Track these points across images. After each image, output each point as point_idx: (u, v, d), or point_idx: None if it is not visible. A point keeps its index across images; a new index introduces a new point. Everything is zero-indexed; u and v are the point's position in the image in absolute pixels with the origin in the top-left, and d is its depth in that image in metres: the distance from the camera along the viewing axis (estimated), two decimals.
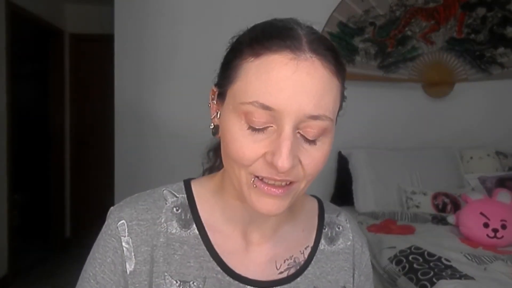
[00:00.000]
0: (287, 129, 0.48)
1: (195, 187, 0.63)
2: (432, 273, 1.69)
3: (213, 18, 2.95)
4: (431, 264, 1.78)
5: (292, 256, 0.63)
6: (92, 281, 0.58)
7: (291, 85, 0.48)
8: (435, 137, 3.09)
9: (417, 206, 2.57)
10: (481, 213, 2.11)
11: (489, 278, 1.64)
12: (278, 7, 2.95)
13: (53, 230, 4.06)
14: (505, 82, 3.10)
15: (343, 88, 0.56)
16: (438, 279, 1.63)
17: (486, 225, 2.07)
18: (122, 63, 2.98)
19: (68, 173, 4.16)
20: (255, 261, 0.61)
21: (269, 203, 0.51)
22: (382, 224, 2.31)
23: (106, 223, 0.60)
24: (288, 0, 3.00)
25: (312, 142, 0.51)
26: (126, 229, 0.58)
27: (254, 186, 0.51)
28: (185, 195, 0.62)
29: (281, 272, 0.61)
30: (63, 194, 4.11)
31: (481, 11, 3.01)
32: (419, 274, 1.72)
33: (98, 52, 3.94)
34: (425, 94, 3.11)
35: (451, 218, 2.29)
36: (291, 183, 0.51)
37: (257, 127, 0.49)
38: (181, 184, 0.64)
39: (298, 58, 0.49)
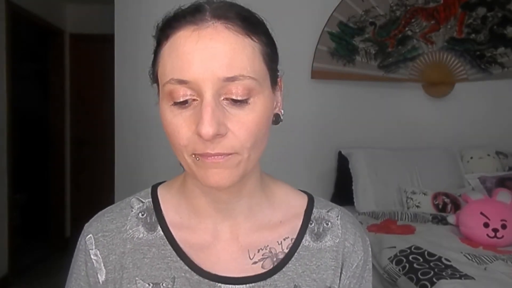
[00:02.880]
0: (207, 96, 0.49)
1: (160, 189, 0.65)
2: (432, 273, 1.69)
3: None
4: (431, 264, 1.78)
5: (268, 246, 0.60)
6: None
7: (198, 55, 0.49)
8: (435, 137, 3.09)
9: (417, 206, 2.57)
10: (481, 213, 2.11)
11: (489, 278, 1.64)
12: (278, 7, 2.97)
13: (53, 230, 4.07)
14: (505, 82, 3.10)
15: (266, 48, 0.54)
16: (438, 279, 1.63)
17: (486, 225, 2.07)
18: (122, 63, 2.98)
19: (68, 173, 4.16)
20: (227, 251, 0.59)
21: (215, 174, 0.51)
22: (382, 224, 2.31)
23: (80, 237, 0.63)
24: (288, 0, 3.00)
25: (240, 105, 0.50)
26: (93, 242, 0.60)
27: (197, 159, 0.51)
28: (151, 199, 0.63)
29: (255, 263, 0.59)
30: (63, 194, 4.11)
31: (481, 11, 3.01)
32: (419, 274, 1.72)
33: (98, 52, 3.94)
34: (425, 94, 3.11)
35: (451, 218, 2.29)
36: (231, 154, 0.51)
37: (180, 100, 0.50)
38: (148, 190, 0.65)
39: (199, 28, 0.50)
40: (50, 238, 4.03)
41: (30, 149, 4.34)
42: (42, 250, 3.84)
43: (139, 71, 3.01)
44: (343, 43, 2.97)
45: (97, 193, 3.90)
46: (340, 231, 0.64)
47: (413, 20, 3.00)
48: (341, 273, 0.62)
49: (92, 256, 0.60)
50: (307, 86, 2.98)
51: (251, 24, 0.53)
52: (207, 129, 0.47)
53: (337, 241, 0.63)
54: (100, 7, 3.82)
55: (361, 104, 3.05)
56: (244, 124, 0.50)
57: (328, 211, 0.65)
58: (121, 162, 3.00)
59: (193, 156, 0.51)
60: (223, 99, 0.50)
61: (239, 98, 0.50)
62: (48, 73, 4.04)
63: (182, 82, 0.49)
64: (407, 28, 3.01)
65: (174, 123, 0.51)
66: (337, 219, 0.65)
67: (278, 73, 0.58)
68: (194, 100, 0.50)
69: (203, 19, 0.51)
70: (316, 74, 2.96)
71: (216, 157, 0.50)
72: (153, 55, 0.56)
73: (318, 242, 0.62)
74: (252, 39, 0.52)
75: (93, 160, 4.12)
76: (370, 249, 0.67)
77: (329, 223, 0.64)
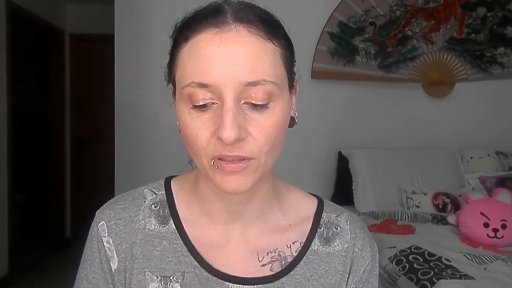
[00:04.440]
0: (228, 100, 0.48)
1: (174, 183, 0.65)
2: (432, 273, 1.69)
3: None
4: (431, 264, 1.78)
5: (277, 249, 0.60)
6: (84, 281, 0.60)
7: (220, 58, 0.48)
8: (435, 137, 3.09)
9: (417, 206, 2.57)
10: (481, 213, 2.11)
11: (489, 278, 1.64)
12: (279, 7, 2.96)
13: (53, 230, 4.07)
14: (505, 82, 3.10)
15: (285, 52, 0.54)
16: (438, 279, 1.63)
17: (486, 225, 2.07)
18: (122, 63, 2.98)
19: (68, 173, 4.16)
20: (236, 253, 0.59)
21: (232, 180, 0.51)
22: (382, 224, 2.31)
23: (92, 224, 0.63)
24: (289, 0, 3.00)
25: (260, 110, 0.50)
26: (106, 229, 0.60)
27: (216, 167, 0.51)
28: (164, 192, 0.63)
29: (264, 265, 0.59)
30: (63, 194, 4.11)
31: (481, 11, 3.02)
32: (419, 274, 1.72)
33: (98, 52, 3.93)
34: (425, 94, 3.11)
35: (451, 218, 2.29)
36: (249, 159, 0.50)
37: (200, 104, 0.50)
38: (162, 182, 0.65)
39: (222, 31, 0.49)
40: (50, 238, 4.03)
41: (30, 149, 4.34)
42: (42, 250, 3.84)
43: (139, 71, 3.02)
44: (343, 43, 2.97)
45: (97, 193, 3.89)
46: (349, 236, 0.64)
47: (413, 20, 3.00)
48: (348, 278, 0.62)
49: (105, 244, 0.60)
50: (307, 86, 2.97)
51: (272, 28, 0.53)
52: (229, 133, 0.47)
53: (346, 246, 0.63)
54: (100, 7, 3.82)
55: (361, 104, 3.05)
56: (264, 129, 0.50)
57: (337, 216, 0.65)
58: (121, 162, 3.00)
59: (212, 163, 0.51)
60: (243, 103, 0.50)
61: (259, 103, 0.50)
62: (48, 73, 4.04)
63: (202, 85, 0.49)
64: (407, 28, 3.01)
65: (192, 125, 0.51)
66: (347, 224, 0.65)
67: (295, 76, 0.58)
68: (213, 103, 0.50)
69: (225, 21, 0.50)
70: (316, 74, 2.96)
71: (235, 165, 0.50)
72: (169, 56, 0.56)
73: (327, 246, 0.62)
74: (273, 43, 0.52)
75: (93, 160, 4.12)
76: (377, 255, 0.66)
77: (338, 228, 0.64)
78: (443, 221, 2.36)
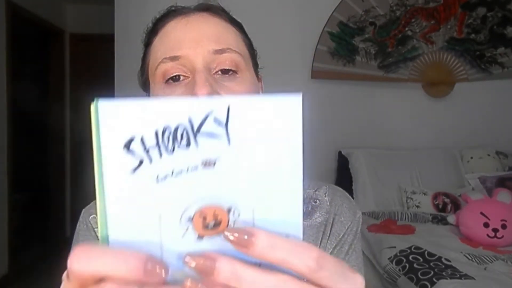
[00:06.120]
0: (199, 66, 0.51)
1: None
2: (432, 273, 1.69)
3: None
4: (431, 264, 1.78)
5: None
6: None
7: (188, 34, 0.53)
8: (435, 137, 3.09)
9: (417, 206, 2.57)
10: (481, 213, 2.11)
11: (489, 278, 1.64)
12: (279, 7, 2.97)
13: (53, 230, 4.06)
14: (505, 82, 3.10)
15: (247, 40, 0.59)
16: (438, 279, 1.63)
17: (486, 225, 2.07)
18: (122, 63, 2.98)
19: (68, 173, 4.16)
20: None
21: None
22: (382, 224, 2.31)
23: (78, 222, 0.64)
24: (289, 0, 3.00)
25: (230, 77, 0.53)
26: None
27: None
28: None
29: None
30: (63, 194, 4.11)
31: (481, 11, 3.01)
32: (419, 274, 1.72)
33: (98, 52, 3.93)
34: (425, 94, 3.11)
35: (451, 218, 2.29)
36: None
37: (173, 75, 0.53)
38: None
39: (188, 16, 0.55)
40: (50, 238, 4.03)
41: (30, 149, 4.33)
42: (42, 250, 3.84)
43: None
44: (343, 43, 2.97)
45: None
46: (328, 206, 0.65)
47: (413, 20, 3.00)
48: (327, 242, 0.63)
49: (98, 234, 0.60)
50: (307, 86, 2.98)
51: (233, 19, 0.58)
52: (202, 90, 0.49)
53: (327, 216, 0.64)
54: (100, 7, 3.82)
55: (361, 104, 3.05)
56: (236, 93, 0.52)
57: (315, 190, 0.66)
58: None
59: None
60: (214, 74, 0.52)
61: (228, 67, 0.52)
62: (48, 73, 4.04)
63: (174, 58, 0.52)
64: (407, 28, 3.01)
65: None
66: (325, 196, 0.66)
67: (259, 71, 0.61)
68: (186, 77, 0.53)
69: (190, 10, 0.56)
70: (316, 74, 2.96)
71: None
72: (142, 58, 0.60)
73: (308, 219, 0.63)
74: (234, 27, 0.57)
75: (93, 159, 4.11)
76: (360, 220, 0.66)
77: (317, 201, 0.65)
78: (443, 221, 2.36)
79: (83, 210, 0.65)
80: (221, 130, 0.25)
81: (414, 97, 3.10)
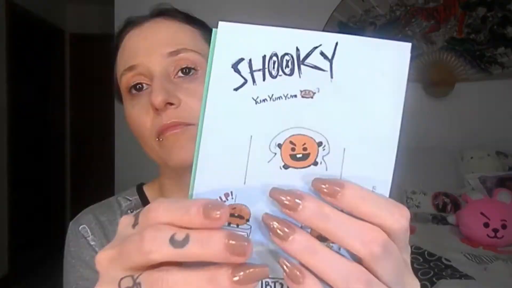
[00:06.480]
0: (156, 74, 0.52)
1: (146, 188, 0.67)
2: (432, 273, 1.69)
3: (212, 17, 2.95)
4: (431, 264, 1.78)
5: None
6: (80, 282, 0.60)
7: (141, 43, 0.54)
8: (435, 137, 3.09)
9: (417, 206, 2.57)
10: (482, 213, 2.11)
11: (489, 278, 1.64)
12: (279, 7, 2.96)
13: (53, 230, 4.06)
14: (505, 82, 3.10)
15: (207, 36, 0.57)
16: (438, 279, 1.63)
17: (486, 225, 2.07)
18: None
19: (68, 172, 4.16)
20: None
21: (178, 150, 0.52)
22: None
23: (67, 235, 0.64)
24: (288, 0, 3.00)
25: (191, 79, 0.52)
26: (88, 230, 0.62)
27: (161, 139, 0.52)
28: (138, 197, 0.66)
29: None
30: (63, 194, 4.11)
31: (481, 11, 3.01)
32: (419, 274, 1.72)
33: (98, 52, 3.93)
34: (425, 94, 3.11)
35: (451, 218, 2.29)
36: (186, 124, 0.52)
37: (134, 84, 0.53)
38: (133, 188, 0.68)
39: (141, 25, 0.57)
40: (50, 238, 4.03)
41: (30, 148, 4.33)
42: (42, 250, 3.84)
43: None
44: None
45: (97, 192, 3.88)
46: None
47: (413, 20, 3.00)
48: None
49: (91, 242, 0.61)
50: None
51: (190, 17, 0.58)
52: (157, 97, 0.49)
53: None
54: (100, 7, 3.82)
55: None
56: (196, 93, 0.52)
57: None
58: (121, 161, 3.00)
59: (157, 140, 0.53)
60: (174, 77, 0.52)
61: (185, 67, 0.52)
62: (48, 73, 4.04)
63: (132, 68, 0.53)
64: (407, 28, 3.01)
65: (134, 113, 0.54)
66: None
67: None
68: (148, 85, 0.53)
69: (144, 19, 0.58)
70: None
71: (173, 128, 0.51)
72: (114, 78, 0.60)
73: None
74: (190, 25, 0.56)
75: (93, 159, 4.12)
76: None
77: None
78: (443, 221, 2.36)
79: (71, 223, 0.65)
80: (326, 64, 0.25)
81: (414, 97, 3.08)
